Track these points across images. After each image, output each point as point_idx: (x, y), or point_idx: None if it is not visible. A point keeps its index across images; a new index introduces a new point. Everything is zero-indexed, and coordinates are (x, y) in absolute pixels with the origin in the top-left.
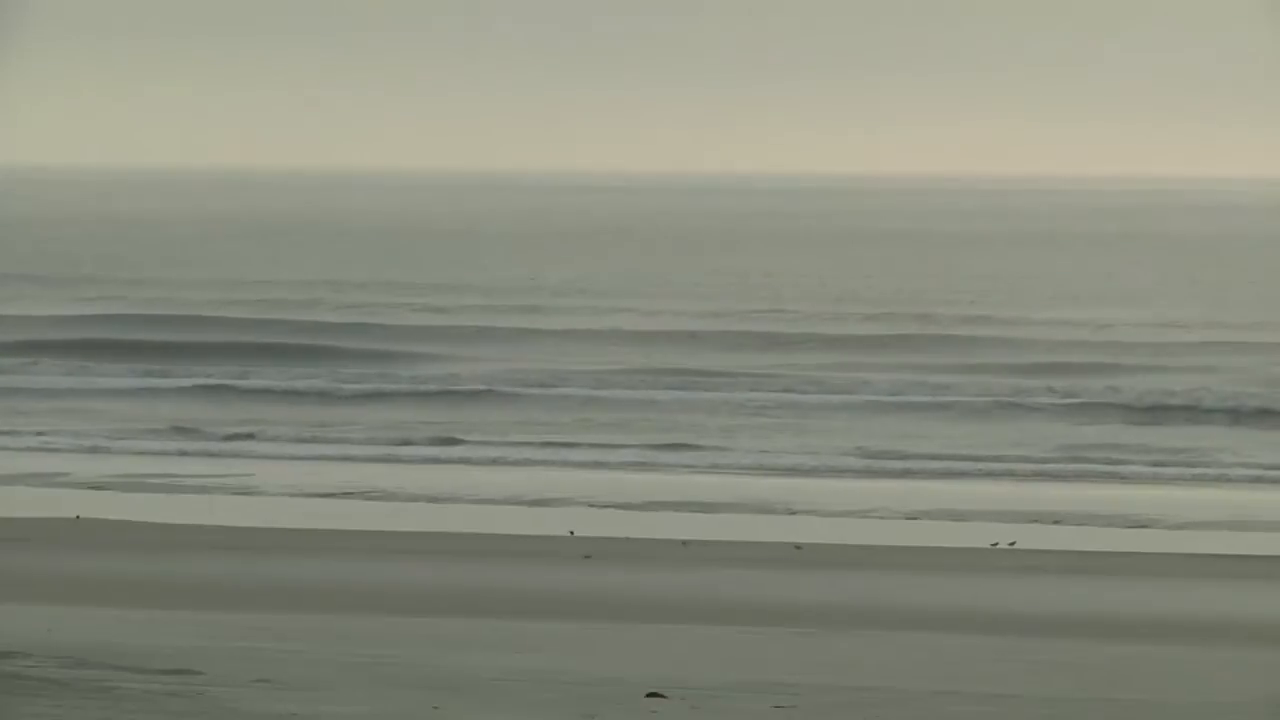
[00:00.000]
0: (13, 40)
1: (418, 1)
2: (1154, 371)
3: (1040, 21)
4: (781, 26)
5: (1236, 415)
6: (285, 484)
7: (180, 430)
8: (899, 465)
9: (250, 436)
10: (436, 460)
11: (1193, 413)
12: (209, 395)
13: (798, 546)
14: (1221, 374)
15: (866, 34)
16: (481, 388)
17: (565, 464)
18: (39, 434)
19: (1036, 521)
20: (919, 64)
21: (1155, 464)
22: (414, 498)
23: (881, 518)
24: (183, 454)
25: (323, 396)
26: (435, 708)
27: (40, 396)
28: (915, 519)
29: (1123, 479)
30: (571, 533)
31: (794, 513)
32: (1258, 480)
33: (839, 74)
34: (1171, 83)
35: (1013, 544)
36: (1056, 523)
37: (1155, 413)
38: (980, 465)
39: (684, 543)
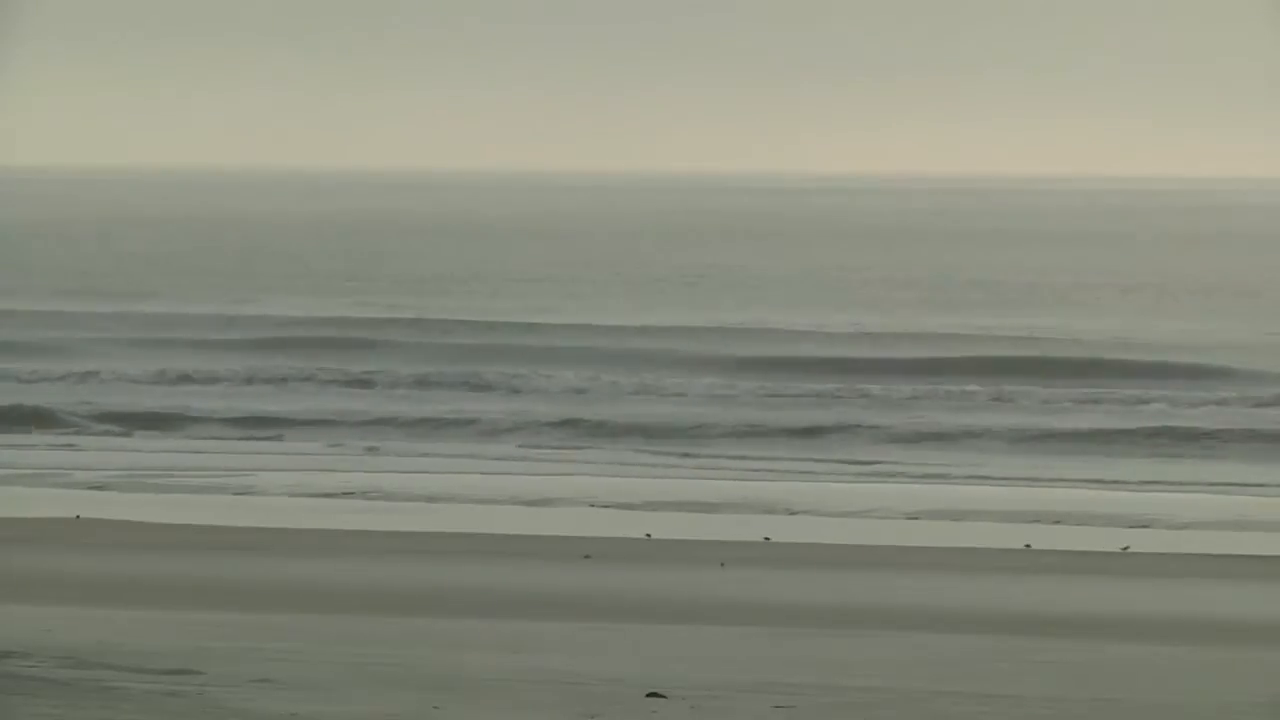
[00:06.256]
0: (12, 40)
1: (421, 3)
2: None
3: (1040, 21)
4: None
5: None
6: (285, 484)
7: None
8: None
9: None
10: (437, 467)
11: None
12: (206, 394)
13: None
14: None
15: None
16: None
17: (565, 465)
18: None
19: (1037, 521)
20: (920, 65)
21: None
22: (414, 498)
23: (881, 518)
24: (184, 452)
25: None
26: (435, 708)
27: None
28: (915, 519)
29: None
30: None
31: (794, 513)
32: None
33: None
34: (1173, 82)
35: (1027, 546)
36: (1057, 523)
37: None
38: (980, 467)
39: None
